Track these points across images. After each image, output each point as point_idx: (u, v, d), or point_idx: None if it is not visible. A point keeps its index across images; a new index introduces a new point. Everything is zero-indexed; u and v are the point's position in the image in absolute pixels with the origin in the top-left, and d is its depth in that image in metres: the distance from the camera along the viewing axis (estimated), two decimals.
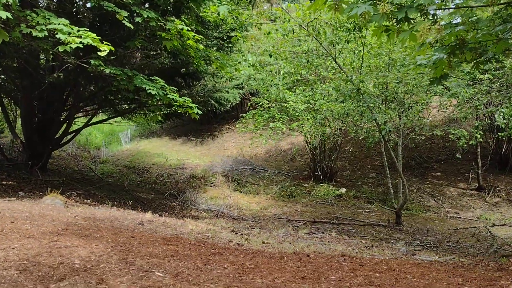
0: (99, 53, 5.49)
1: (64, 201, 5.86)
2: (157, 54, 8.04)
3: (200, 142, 20.29)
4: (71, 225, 4.01)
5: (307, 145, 14.59)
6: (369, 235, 10.01)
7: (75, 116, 11.76)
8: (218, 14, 6.86)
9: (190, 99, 6.94)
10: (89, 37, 5.31)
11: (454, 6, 3.79)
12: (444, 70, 4.38)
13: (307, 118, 12.18)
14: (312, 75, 13.27)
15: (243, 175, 15.50)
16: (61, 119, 11.34)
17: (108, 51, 5.51)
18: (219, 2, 6.70)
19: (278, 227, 9.56)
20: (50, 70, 8.66)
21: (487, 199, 13.35)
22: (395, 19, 3.64)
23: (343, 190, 14.11)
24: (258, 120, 13.18)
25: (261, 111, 13.62)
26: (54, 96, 10.05)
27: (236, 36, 8.66)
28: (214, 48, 8.93)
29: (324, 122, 12.74)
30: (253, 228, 5.93)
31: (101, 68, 6.21)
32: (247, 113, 14.22)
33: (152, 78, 6.76)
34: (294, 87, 13.18)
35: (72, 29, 5.31)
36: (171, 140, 20.89)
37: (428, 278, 3.03)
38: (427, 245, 9.39)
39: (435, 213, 12.68)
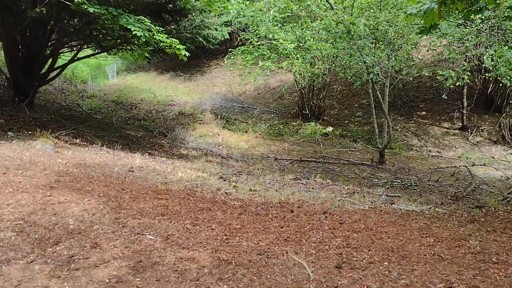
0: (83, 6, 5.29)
1: (54, 144, 5.93)
2: None
3: (189, 78, 20.06)
4: (63, 175, 4.12)
5: (296, 84, 14.57)
6: (353, 174, 10.39)
7: (60, 52, 11.48)
8: None
9: (177, 41, 6.80)
10: None
11: None
12: (434, 20, 4.37)
13: (297, 57, 12.07)
14: (303, 11, 12.93)
15: (232, 112, 15.58)
16: (46, 55, 11.09)
17: None
18: None
19: (266, 168, 9.85)
20: (31, 4, 8.34)
21: (469, 138, 13.73)
22: None
23: (330, 128, 14.34)
24: (247, 58, 13.01)
25: (250, 48, 13.41)
26: (37, 31, 9.75)
27: None
28: None
29: (314, 62, 12.64)
30: (241, 174, 6.13)
31: (85, 7, 6.01)
32: (236, 49, 13.99)
33: (138, 17, 6.56)
34: (284, 24, 12.89)
35: None
36: (159, 75, 20.59)
37: (402, 239, 3.26)
38: (408, 184, 9.83)
39: (418, 152, 13.07)
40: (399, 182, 9.84)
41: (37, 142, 5.70)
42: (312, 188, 5.40)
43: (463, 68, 11.22)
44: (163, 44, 6.62)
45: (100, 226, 2.85)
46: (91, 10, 5.84)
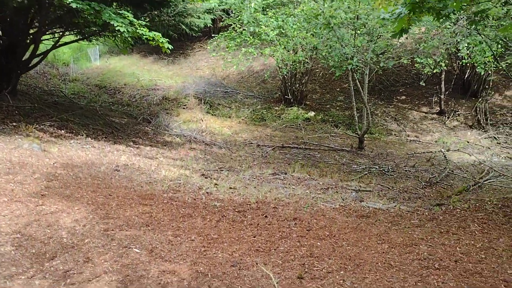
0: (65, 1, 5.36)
1: (40, 140, 6.08)
2: None
3: (172, 61, 20.00)
4: (52, 179, 4.32)
5: (279, 70, 14.74)
6: (333, 160, 10.74)
7: (42, 38, 11.41)
8: None
9: (159, 34, 6.91)
10: None
11: None
12: (404, 25, 4.61)
13: (279, 43, 12.22)
14: None
15: (216, 97, 15.70)
16: (28, 41, 11.02)
17: None
18: None
19: (248, 155, 10.10)
20: None
21: (446, 123, 14.17)
22: None
23: (312, 113, 14.62)
24: (230, 44, 13.11)
25: (233, 34, 13.48)
26: (18, 19, 9.68)
27: None
28: None
29: (296, 48, 12.80)
30: (222, 171, 6.37)
31: (67, 2, 6.07)
32: (219, 34, 14.04)
33: (121, 12, 6.63)
34: (267, 10, 12.96)
35: None
36: (142, 58, 20.48)
37: (360, 246, 3.57)
38: (385, 170, 10.22)
39: (397, 136, 13.47)
40: (377, 168, 10.22)
41: (24, 141, 5.85)
42: (289, 184, 5.69)
43: (441, 55, 11.54)
44: (146, 37, 6.73)
45: (91, 240, 3.10)
46: (74, 5, 5.90)
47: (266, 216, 4.03)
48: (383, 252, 3.48)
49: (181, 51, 20.94)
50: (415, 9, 4.25)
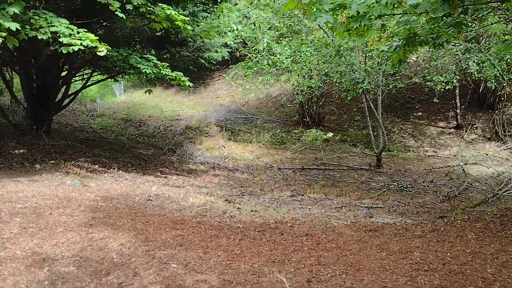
0: (98, 53, 6.04)
1: (79, 176, 6.73)
2: (148, 22, 8.46)
3: (193, 91, 20.81)
4: (95, 210, 4.90)
5: (296, 95, 15.26)
6: (352, 179, 11.06)
7: (72, 80, 12.29)
8: None
9: (181, 73, 7.55)
10: (89, 39, 5.83)
11: (400, 12, 4.39)
12: (401, 57, 5.07)
13: (294, 69, 12.77)
14: (298, 26, 13.61)
15: (236, 123, 16.30)
16: (60, 84, 11.89)
17: (105, 51, 6.06)
18: None
19: (270, 178, 10.54)
20: (46, 43, 9.14)
21: (464, 136, 14.33)
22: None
23: (330, 134, 15.01)
24: (247, 73, 13.74)
25: (249, 63, 14.11)
26: (51, 64, 10.55)
27: (222, 7, 9.07)
28: (201, 12, 9.34)
29: (311, 74, 13.32)
30: (244, 195, 6.86)
31: (99, 53, 6.72)
32: (236, 64, 14.72)
33: (146, 56, 7.30)
34: (281, 40, 13.58)
35: (73, 30, 5.82)
36: (164, 90, 21.38)
37: (361, 255, 3.99)
38: (404, 186, 10.49)
39: (415, 152, 13.70)
40: (395, 185, 10.49)
41: (67, 178, 6.49)
42: (306, 205, 6.12)
43: (452, 72, 11.86)
44: (169, 77, 7.37)
45: (136, 259, 3.63)
46: (103, 54, 6.57)
47: (282, 234, 4.50)
48: (381, 259, 3.93)
49: (201, 81, 21.77)
50: (409, 42, 4.70)
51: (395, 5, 4.32)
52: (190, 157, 12.46)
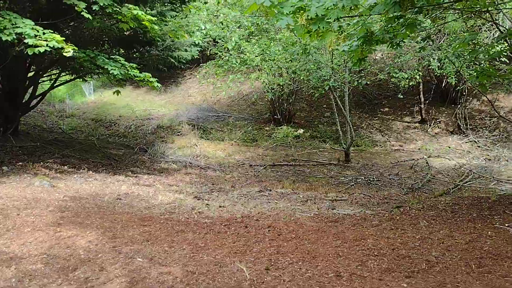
0: (64, 54, 6.05)
1: (47, 177, 6.72)
2: (116, 22, 8.47)
3: (165, 90, 20.75)
4: (64, 210, 4.96)
5: (271, 91, 15.47)
6: (322, 174, 11.36)
7: (39, 81, 12.13)
8: None
9: (149, 74, 7.63)
10: (55, 40, 5.84)
11: (357, 14, 4.63)
12: (359, 56, 5.33)
13: (264, 68, 12.97)
14: (266, 24, 13.81)
15: (208, 122, 16.39)
16: (26, 85, 11.71)
17: (72, 51, 6.08)
18: None
19: (241, 175, 10.71)
20: (11, 44, 9.03)
21: (428, 130, 14.87)
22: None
23: (301, 131, 15.30)
24: (218, 71, 13.85)
25: (220, 61, 14.21)
26: (17, 65, 10.39)
27: (189, 6, 9.17)
28: (169, 11, 9.39)
29: (281, 72, 13.55)
30: (213, 192, 7.01)
31: (65, 54, 6.71)
32: (207, 63, 14.82)
33: (113, 57, 7.34)
34: (250, 38, 13.75)
35: (38, 31, 5.82)
36: (135, 89, 21.23)
37: (318, 243, 4.24)
38: (371, 179, 10.85)
39: (382, 147, 14.14)
40: (362, 179, 10.85)
41: (35, 180, 6.47)
42: (273, 199, 6.33)
43: (415, 68, 12.31)
44: (137, 78, 7.43)
45: (103, 254, 3.74)
46: (69, 54, 6.57)
47: (246, 227, 4.68)
48: (336, 246, 4.21)
49: (172, 80, 21.72)
50: (366, 42, 4.96)
51: (352, 8, 4.55)
52: (162, 156, 12.50)
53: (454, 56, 8.85)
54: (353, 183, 10.46)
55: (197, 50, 12.25)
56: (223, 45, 14.06)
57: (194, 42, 11.51)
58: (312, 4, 4.29)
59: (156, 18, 7.24)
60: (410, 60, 12.40)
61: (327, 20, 4.25)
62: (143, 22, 6.93)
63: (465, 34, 9.50)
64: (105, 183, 7.04)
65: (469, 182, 10.29)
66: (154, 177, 8.84)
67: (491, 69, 6.68)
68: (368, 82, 11.77)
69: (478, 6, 5.10)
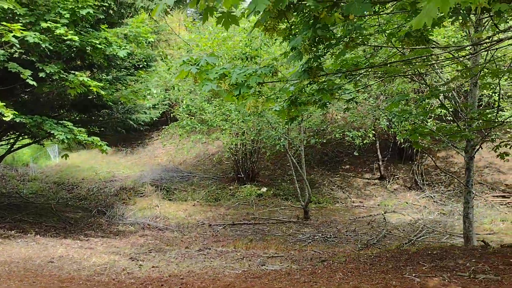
0: (4, 118, 6.20)
1: None
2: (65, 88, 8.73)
3: (131, 151, 20.83)
4: None
5: (229, 151, 15.73)
6: (281, 232, 11.38)
7: None
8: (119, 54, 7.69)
9: (98, 138, 7.80)
10: None
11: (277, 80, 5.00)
12: (287, 116, 5.65)
13: (224, 128, 13.31)
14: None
15: (172, 182, 16.39)
16: None
17: (12, 116, 6.25)
18: (118, 47, 7.53)
19: (199, 235, 10.63)
20: None
21: (387, 186, 15.24)
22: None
23: (264, 189, 15.44)
24: (180, 132, 14.11)
25: (182, 122, 14.51)
26: None
27: (140, 72, 9.60)
28: (125, 76, 9.77)
29: (243, 131, 13.91)
30: (151, 253, 6.97)
31: (8, 118, 6.83)
32: (170, 125, 15.11)
33: (62, 122, 7.50)
34: (212, 100, 14.21)
35: None
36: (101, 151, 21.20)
37: None
38: (328, 236, 10.94)
39: (343, 203, 14.34)
40: (320, 236, 10.92)
41: None
42: (210, 258, 6.32)
43: (368, 128, 12.88)
44: (86, 141, 7.57)
45: None
46: (17, 120, 6.70)
47: (162, 285, 4.64)
48: None
49: (139, 141, 21.88)
50: (291, 104, 5.30)
51: (273, 74, 4.91)
52: (121, 218, 12.34)
53: (391, 115, 9.38)
54: (310, 241, 10.51)
55: (159, 113, 12.55)
56: (186, 107, 14.45)
57: (154, 105, 11.84)
58: (234, 71, 4.64)
59: (103, 84, 7.51)
60: (365, 119, 12.98)
61: (247, 85, 4.58)
62: (90, 88, 7.18)
63: (396, 95, 10.14)
64: (46, 247, 6.91)
65: (422, 237, 10.49)
66: (105, 240, 8.71)
67: (422, 128, 7.11)
68: (324, 141, 12.20)
69: (392, 71, 5.56)
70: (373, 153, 16.71)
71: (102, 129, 12.40)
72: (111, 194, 15.38)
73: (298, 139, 10.48)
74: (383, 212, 12.58)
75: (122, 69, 9.73)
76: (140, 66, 9.56)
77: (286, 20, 3.57)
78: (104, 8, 8.13)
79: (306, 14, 3.77)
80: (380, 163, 15.57)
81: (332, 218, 12.58)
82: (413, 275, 4.28)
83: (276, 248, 8.67)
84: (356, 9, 3.16)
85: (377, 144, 15.42)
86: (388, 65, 5.68)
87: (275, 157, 18.46)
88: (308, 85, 4.89)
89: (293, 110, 5.49)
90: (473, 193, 8.46)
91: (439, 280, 4.16)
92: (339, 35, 4.30)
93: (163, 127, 16.71)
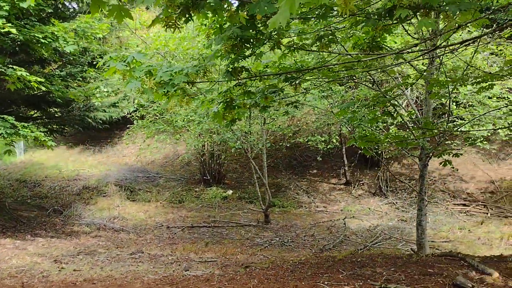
0: None
1: None
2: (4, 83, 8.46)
3: (99, 150, 20.47)
4: None
5: (197, 152, 15.59)
6: (239, 236, 11.28)
7: None
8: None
9: (42, 133, 7.59)
10: None
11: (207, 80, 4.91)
12: (221, 119, 5.55)
13: (188, 130, 13.15)
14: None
15: (137, 182, 16.13)
16: None
17: None
18: (65, 42, 7.35)
19: (155, 237, 10.45)
20: None
21: (352, 192, 15.30)
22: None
23: (230, 192, 15.32)
24: (145, 132, 13.90)
25: (148, 122, 14.30)
26: None
27: (89, 70, 9.42)
28: (78, 73, 9.56)
29: (206, 133, 13.77)
30: (78, 255, 6.79)
31: None
32: (135, 124, 14.87)
33: (3, 116, 7.26)
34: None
35: None
36: (69, 149, 20.80)
37: None
38: (285, 241, 10.88)
39: (306, 208, 14.32)
40: (277, 240, 10.86)
41: None
42: (140, 262, 6.18)
43: (332, 133, 12.89)
44: (29, 137, 7.35)
45: None
46: None
47: None
48: None
49: (108, 140, 21.52)
50: (227, 107, 5.21)
51: (204, 74, 4.81)
52: (77, 219, 12.06)
53: (343, 122, 9.41)
54: (267, 245, 10.44)
55: (121, 110, 12.33)
56: (151, 106, 14.23)
57: (115, 103, 11.63)
58: (160, 70, 4.53)
59: (43, 79, 7.28)
60: (330, 125, 12.99)
61: (171, 84, 4.47)
62: (31, 83, 6.97)
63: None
64: None
65: (378, 243, 10.52)
66: (53, 241, 8.47)
67: (370, 134, 7.11)
68: (288, 145, 12.15)
69: (330, 76, 5.51)
70: (341, 159, 16.76)
71: (62, 126, 12.14)
72: (73, 193, 15.05)
73: (261, 142, 10.41)
74: (343, 218, 12.59)
75: (77, 65, 9.53)
76: (95, 63, 9.36)
77: (190, 18, 3.47)
78: (53, 2, 7.94)
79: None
80: (346, 168, 15.61)
81: (293, 222, 12.54)
82: (326, 283, 4.21)
83: (224, 253, 8.54)
84: (262, 9, 3.09)
85: (343, 150, 15.46)
86: (329, 69, 5.64)
87: (244, 159, 18.37)
88: (235, 87, 4.81)
89: (227, 113, 5.40)
90: (426, 201, 8.52)
91: None
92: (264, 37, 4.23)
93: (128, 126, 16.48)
